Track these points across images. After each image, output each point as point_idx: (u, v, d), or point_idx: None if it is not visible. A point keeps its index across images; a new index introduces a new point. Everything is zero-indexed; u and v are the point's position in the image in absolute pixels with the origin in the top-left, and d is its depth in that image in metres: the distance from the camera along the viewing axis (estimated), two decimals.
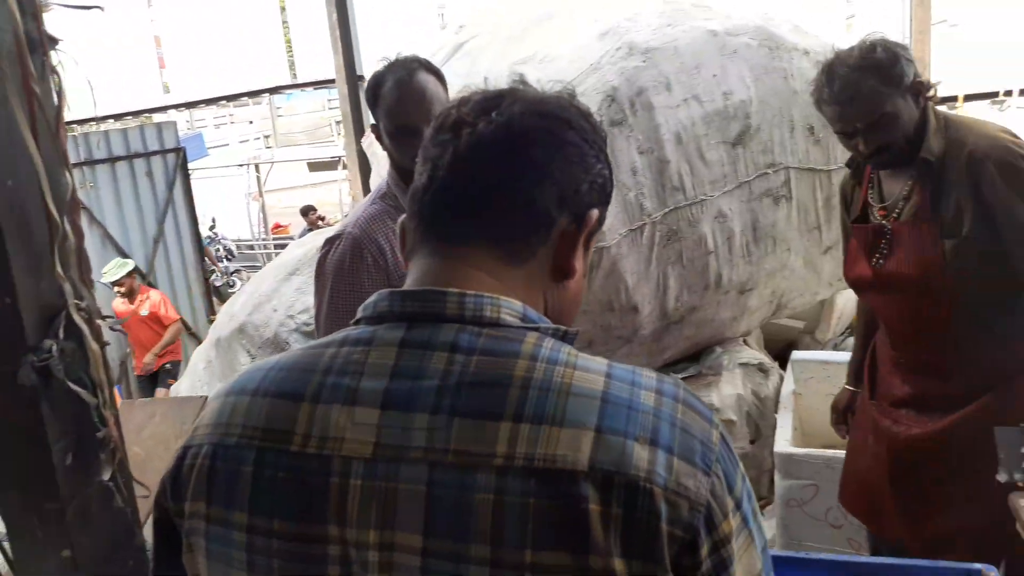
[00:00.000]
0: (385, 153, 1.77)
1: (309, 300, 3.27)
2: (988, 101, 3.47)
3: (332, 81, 6.76)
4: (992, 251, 1.69)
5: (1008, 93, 3.45)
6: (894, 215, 1.80)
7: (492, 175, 0.73)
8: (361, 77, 6.13)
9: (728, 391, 2.81)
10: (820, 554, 1.60)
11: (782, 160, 2.81)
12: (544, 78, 2.59)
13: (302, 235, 8.40)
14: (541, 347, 0.69)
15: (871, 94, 1.69)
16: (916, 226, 1.75)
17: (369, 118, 1.84)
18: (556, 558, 0.61)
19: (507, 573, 0.61)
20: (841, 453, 2.30)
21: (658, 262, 2.72)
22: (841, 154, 2.79)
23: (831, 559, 1.57)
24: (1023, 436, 1.53)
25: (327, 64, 6.80)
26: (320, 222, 10.65)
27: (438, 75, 1.72)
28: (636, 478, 0.62)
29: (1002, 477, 1.50)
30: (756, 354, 3.05)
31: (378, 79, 1.69)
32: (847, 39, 3.07)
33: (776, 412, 2.71)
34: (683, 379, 2.92)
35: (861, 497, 2.00)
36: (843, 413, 2.16)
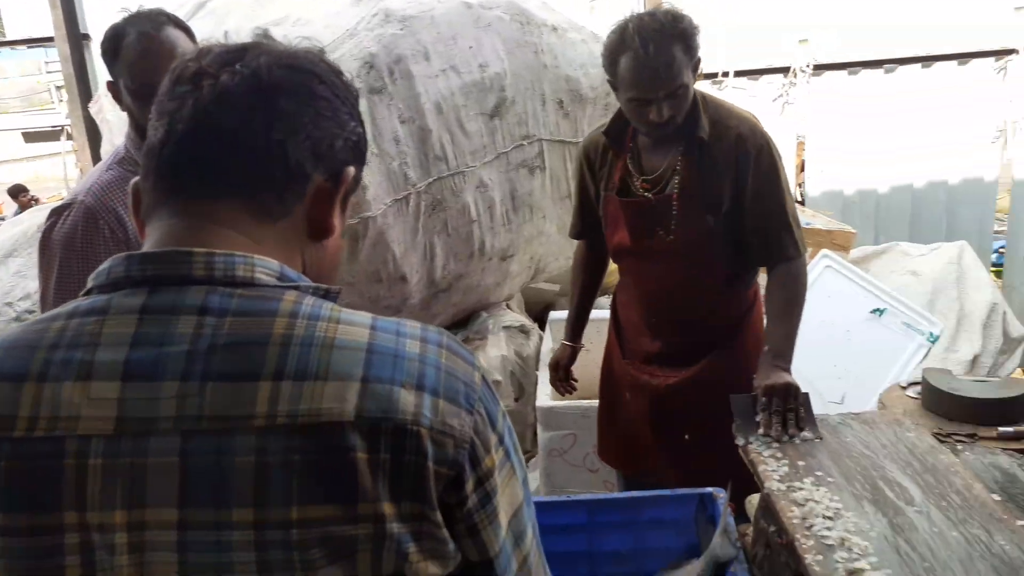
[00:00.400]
0: (119, 117, 1.61)
1: (31, 285, 2.90)
2: (709, 81, 3.88)
3: (50, 40, 5.96)
4: (744, 227, 1.83)
5: (726, 74, 3.88)
6: (667, 190, 1.85)
7: (239, 128, 0.70)
8: (86, 36, 5.47)
9: (493, 353, 2.92)
10: (580, 496, 1.73)
11: (536, 132, 2.94)
12: (299, 39, 2.49)
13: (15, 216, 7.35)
14: (301, 304, 0.67)
15: (679, 63, 1.70)
16: (684, 201, 1.83)
17: (96, 81, 1.66)
18: (324, 511, 0.61)
19: (271, 533, 0.60)
20: (595, 402, 2.47)
21: (424, 231, 2.74)
22: (587, 126, 2.99)
23: (589, 499, 1.70)
24: (754, 404, 1.67)
25: (43, 20, 5.98)
26: (33, 203, 9.39)
27: (187, 31, 1.59)
28: (403, 422, 0.64)
29: (739, 442, 1.62)
30: (518, 317, 3.20)
31: (118, 32, 1.53)
32: (590, 19, 3.28)
33: (537, 369, 2.87)
34: None
35: (624, 450, 2.12)
36: (565, 369, 2.26)
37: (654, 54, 1.65)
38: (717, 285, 1.93)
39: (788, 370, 1.72)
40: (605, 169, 1.96)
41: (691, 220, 1.84)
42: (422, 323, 0.74)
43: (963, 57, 3.85)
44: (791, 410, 1.62)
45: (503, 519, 0.70)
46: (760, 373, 1.72)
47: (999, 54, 3.80)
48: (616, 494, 1.79)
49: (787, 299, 1.82)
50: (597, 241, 2.09)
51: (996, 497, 1.37)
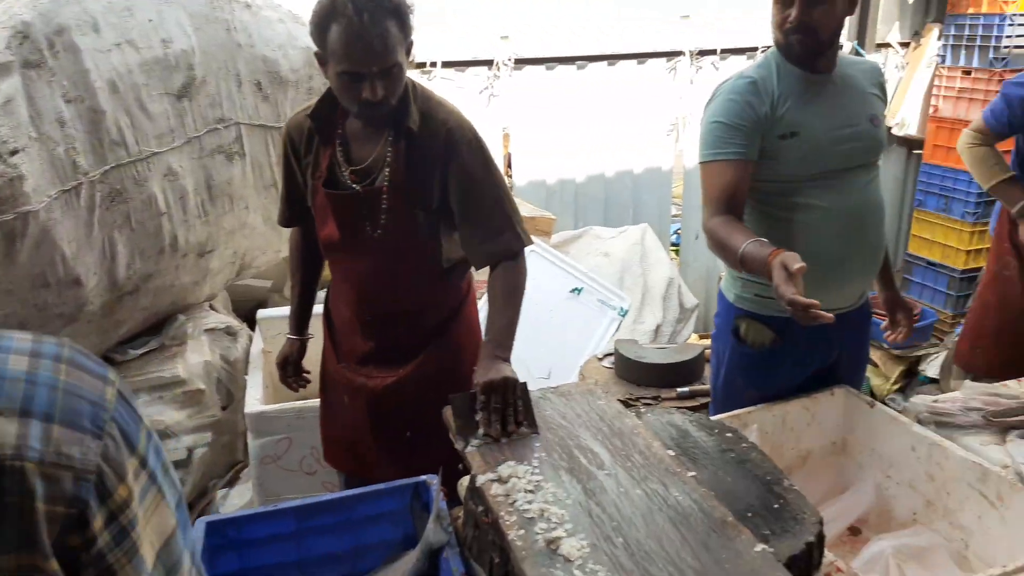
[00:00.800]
0: None
1: None
2: (419, 71, 3.90)
3: None
4: (463, 225, 1.80)
5: (434, 64, 3.92)
6: (376, 182, 1.76)
7: None
8: None
9: (195, 359, 2.67)
10: (286, 503, 1.63)
11: (232, 115, 2.73)
12: None
13: None
14: None
15: (394, 38, 1.60)
16: (393, 194, 1.75)
17: None
18: None
19: None
20: (312, 402, 2.37)
21: (101, 226, 2.41)
22: (290, 111, 2.84)
23: (296, 505, 1.61)
24: (473, 402, 1.60)
25: None
26: None
27: None
28: (0, 458, 0.52)
29: (459, 445, 1.55)
30: (223, 318, 2.96)
31: None
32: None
33: (246, 373, 2.69)
34: (144, 353, 2.69)
35: (347, 454, 2.06)
36: (295, 365, 2.16)
37: (368, 24, 1.56)
38: (430, 279, 1.90)
39: (508, 361, 1.69)
40: (311, 156, 1.84)
41: (401, 214, 1.78)
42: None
43: (641, 57, 4.27)
44: (510, 405, 1.57)
45: (148, 553, 0.60)
46: (480, 368, 1.66)
47: (670, 55, 4.27)
48: (327, 495, 1.71)
49: (509, 289, 1.78)
50: (311, 227, 1.98)
51: (671, 453, 1.51)
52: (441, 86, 3.92)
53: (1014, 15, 4.08)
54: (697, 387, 2.60)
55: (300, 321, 2.16)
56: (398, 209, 1.78)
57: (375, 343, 1.93)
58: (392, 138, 1.75)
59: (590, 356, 2.95)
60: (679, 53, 4.27)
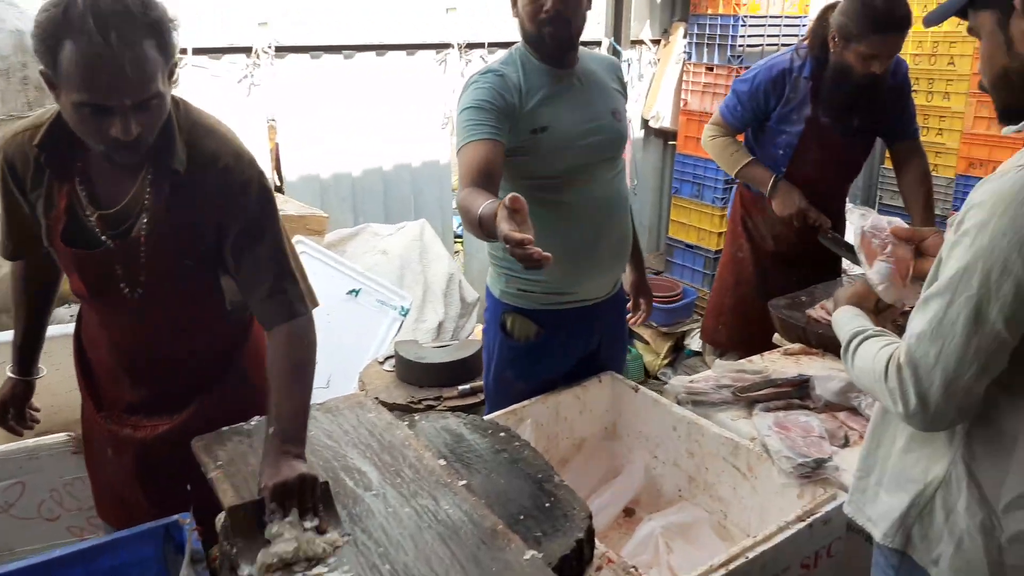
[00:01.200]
0: None
1: None
2: None
3: None
4: (240, 278, 1.55)
5: (184, 51, 3.57)
6: (133, 231, 1.47)
7: None
8: None
9: None
10: (3, 566, 1.39)
11: None
12: None
13: None
14: None
15: (152, 63, 1.28)
16: (155, 246, 1.47)
17: None
18: None
19: None
20: (49, 439, 2.10)
21: None
22: (0, 104, 2.46)
23: (17, 567, 1.38)
24: (260, 511, 1.31)
25: None
26: None
27: None
28: None
29: (243, 573, 1.25)
30: None
31: None
32: None
33: None
34: None
35: (117, 508, 1.80)
36: (19, 409, 1.85)
37: (118, 45, 1.23)
38: (208, 323, 1.67)
39: (302, 455, 1.38)
40: (41, 191, 1.49)
41: (165, 268, 1.51)
42: None
43: (410, 48, 4.20)
44: (309, 510, 1.30)
45: None
46: (267, 467, 1.34)
47: (439, 47, 4.24)
48: (62, 549, 1.48)
49: (295, 365, 1.48)
50: (39, 258, 1.66)
51: (443, 462, 1.46)
52: (194, 75, 3.61)
53: (746, 16, 4.50)
54: (478, 383, 2.60)
55: (25, 358, 1.84)
56: (161, 263, 1.50)
57: (145, 391, 1.67)
58: (152, 177, 1.46)
59: (371, 360, 2.85)
60: (448, 45, 4.26)
